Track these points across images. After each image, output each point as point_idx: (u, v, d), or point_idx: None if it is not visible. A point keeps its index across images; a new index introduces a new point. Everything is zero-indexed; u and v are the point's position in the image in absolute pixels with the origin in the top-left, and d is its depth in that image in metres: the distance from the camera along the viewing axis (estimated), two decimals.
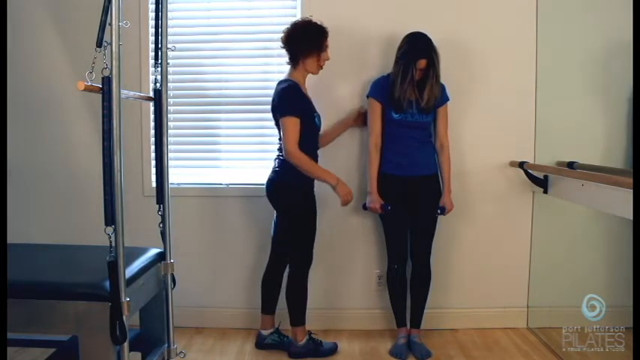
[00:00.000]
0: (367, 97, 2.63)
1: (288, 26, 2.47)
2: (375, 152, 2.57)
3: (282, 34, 2.47)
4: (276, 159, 2.52)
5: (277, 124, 2.47)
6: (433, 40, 2.46)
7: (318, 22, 2.44)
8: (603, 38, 2.71)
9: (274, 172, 2.50)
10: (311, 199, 2.51)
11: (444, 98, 2.57)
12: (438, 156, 2.63)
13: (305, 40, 2.42)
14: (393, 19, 2.75)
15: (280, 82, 2.49)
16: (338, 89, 2.78)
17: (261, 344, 2.64)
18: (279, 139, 2.49)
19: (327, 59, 2.49)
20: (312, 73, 2.50)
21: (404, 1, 2.77)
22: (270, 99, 2.84)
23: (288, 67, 2.80)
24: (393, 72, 2.51)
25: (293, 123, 2.36)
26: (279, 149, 2.49)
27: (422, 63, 2.44)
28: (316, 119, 2.50)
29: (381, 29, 2.75)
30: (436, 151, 2.63)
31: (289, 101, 2.40)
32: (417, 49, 2.45)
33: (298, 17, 2.77)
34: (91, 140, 2.75)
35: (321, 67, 2.50)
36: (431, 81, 2.47)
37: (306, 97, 2.49)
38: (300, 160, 2.38)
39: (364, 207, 2.61)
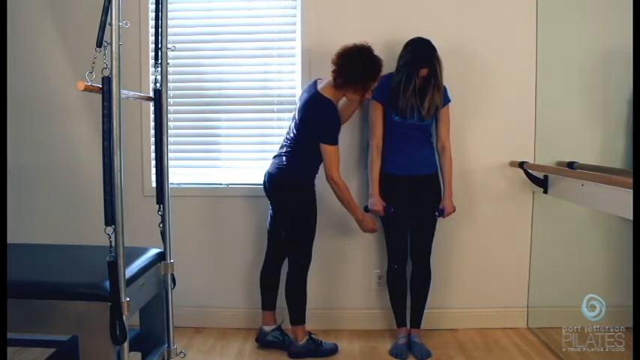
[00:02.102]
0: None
1: (348, 46, 2.37)
2: (376, 154, 2.57)
3: (339, 51, 2.38)
4: (281, 155, 2.48)
5: (301, 131, 2.43)
6: (434, 43, 2.45)
7: (379, 57, 2.37)
8: (603, 40, 2.71)
9: (279, 168, 2.47)
10: (313, 198, 2.50)
11: (445, 100, 2.56)
12: (440, 158, 2.62)
13: (360, 75, 2.36)
14: (394, 20, 2.75)
15: (322, 99, 2.40)
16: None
17: (262, 340, 2.63)
18: (293, 140, 2.45)
19: (368, 98, 2.47)
20: (348, 99, 2.48)
21: (405, 4, 2.77)
22: (270, 98, 2.87)
23: (293, 65, 2.81)
24: (395, 81, 2.49)
25: (336, 151, 2.40)
26: (287, 146, 2.47)
27: (424, 71, 2.43)
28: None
29: (382, 31, 2.74)
30: (437, 152, 2.63)
31: (334, 130, 2.40)
32: (419, 58, 2.43)
33: (298, 17, 2.78)
34: (91, 140, 2.75)
35: (359, 100, 2.48)
36: (432, 90, 2.45)
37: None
38: (342, 188, 2.43)
39: (366, 209, 2.59)
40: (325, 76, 2.68)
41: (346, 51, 2.38)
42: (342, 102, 2.72)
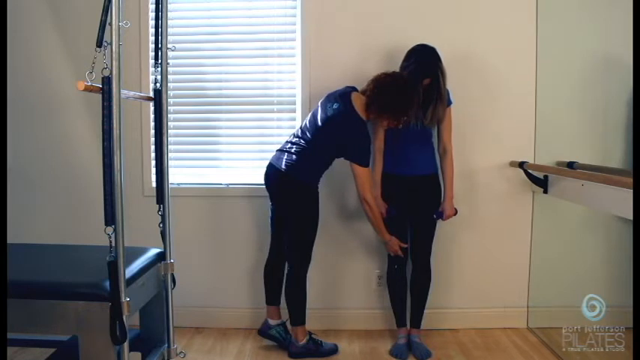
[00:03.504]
0: None
1: (386, 75, 2.38)
2: (378, 156, 2.56)
3: (375, 78, 2.38)
4: (290, 152, 2.44)
5: (323, 137, 2.40)
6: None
7: (414, 91, 2.37)
8: (602, 41, 2.71)
9: (287, 166, 2.41)
10: (316, 200, 2.48)
11: (447, 103, 2.53)
12: (441, 160, 2.61)
13: (393, 107, 2.35)
14: (394, 20, 2.75)
15: (358, 118, 2.38)
16: None
17: (265, 332, 2.63)
18: (304, 138, 2.43)
19: (396, 127, 2.45)
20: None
21: (405, 4, 2.77)
22: (270, 98, 2.87)
23: (293, 65, 2.79)
24: None
25: (368, 173, 2.43)
26: (299, 145, 2.43)
27: (426, 81, 2.42)
28: None
29: (381, 31, 2.75)
30: (439, 154, 2.62)
31: (369, 152, 2.42)
32: (422, 69, 2.41)
33: (298, 17, 2.78)
34: (91, 140, 2.75)
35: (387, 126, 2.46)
36: (435, 101, 2.43)
37: None
38: (374, 210, 2.45)
39: None
40: (325, 77, 2.68)
41: (382, 79, 2.37)
42: None
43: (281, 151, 2.50)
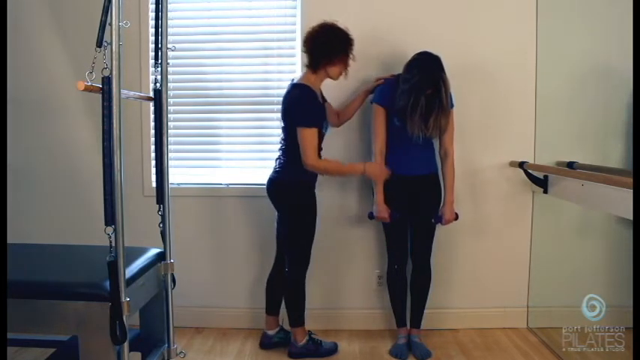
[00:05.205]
0: (371, 102, 2.60)
1: (313, 28, 2.36)
2: (380, 159, 2.54)
3: (306, 36, 2.37)
4: (277, 159, 2.50)
5: (285, 128, 2.43)
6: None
7: (344, 28, 2.36)
8: (603, 41, 2.71)
9: (275, 172, 2.48)
10: (312, 200, 2.49)
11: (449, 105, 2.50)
12: (442, 163, 2.59)
13: (332, 46, 2.34)
14: (394, 20, 2.75)
15: (295, 86, 2.40)
16: (338, 100, 2.74)
17: (268, 344, 2.63)
18: (284, 140, 2.45)
19: (348, 66, 2.42)
20: (332, 79, 2.44)
21: (406, 5, 2.77)
22: (270, 99, 2.87)
23: (293, 65, 2.79)
24: (402, 102, 2.41)
25: (312, 134, 2.31)
26: (280, 148, 2.48)
27: (429, 91, 2.38)
28: (324, 128, 2.45)
29: (382, 30, 2.75)
30: (440, 157, 2.60)
31: (308, 111, 2.33)
32: (424, 81, 2.37)
33: (298, 17, 2.78)
34: (91, 140, 2.75)
35: (342, 75, 2.43)
36: (437, 111, 2.39)
37: (321, 105, 2.44)
38: (324, 168, 2.40)
39: (370, 216, 2.57)
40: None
41: (313, 30, 2.36)
42: (344, 98, 2.70)
43: (275, 160, 2.53)
